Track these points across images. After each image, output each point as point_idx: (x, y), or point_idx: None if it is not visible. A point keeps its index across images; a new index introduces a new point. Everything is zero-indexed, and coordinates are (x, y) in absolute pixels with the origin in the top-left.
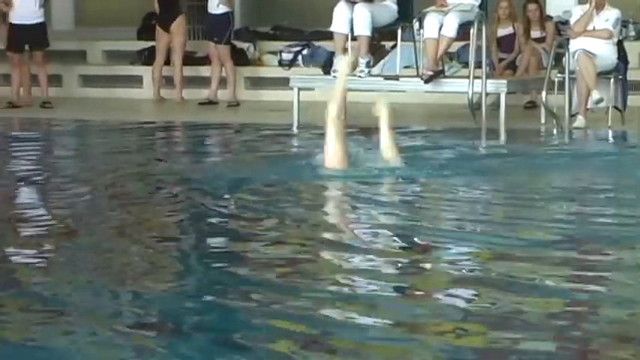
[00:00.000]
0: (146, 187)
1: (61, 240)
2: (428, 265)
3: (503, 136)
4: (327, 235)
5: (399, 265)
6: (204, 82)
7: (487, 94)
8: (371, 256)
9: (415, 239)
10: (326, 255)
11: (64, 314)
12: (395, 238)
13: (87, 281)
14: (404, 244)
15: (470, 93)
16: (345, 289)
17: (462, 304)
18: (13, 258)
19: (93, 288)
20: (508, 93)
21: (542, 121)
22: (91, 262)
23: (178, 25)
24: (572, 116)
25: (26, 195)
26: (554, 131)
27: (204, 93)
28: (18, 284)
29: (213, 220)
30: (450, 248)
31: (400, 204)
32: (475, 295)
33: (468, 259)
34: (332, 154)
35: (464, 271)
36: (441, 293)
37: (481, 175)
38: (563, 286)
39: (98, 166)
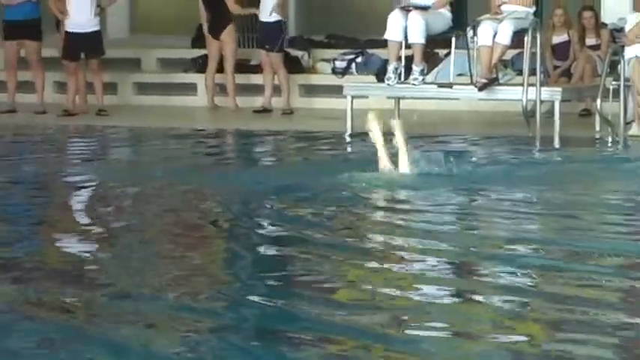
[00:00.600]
0: (198, 196)
1: (115, 247)
2: (479, 297)
3: (557, 144)
4: (370, 256)
5: (446, 295)
6: (258, 89)
7: (541, 102)
8: (418, 285)
9: (466, 262)
10: (370, 278)
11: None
12: (443, 260)
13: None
14: (453, 270)
15: (524, 101)
16: (387, 317)
17: (511, 344)
18: (70, 263)
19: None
20: (562, 101)
21: (597, 128)
22: (143, 268)
23: (228, 33)
24: (628, 124)
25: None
26: (609, 139)
27: (258, 101)
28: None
29: (258, 227)
30: (500, 272)
31: (451, 217)
32: (527, 334)
33: (520, 290)
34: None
35: (514, 305)
36: (492, 332)
37: (534, 185)
38: (617, 320)
39: (152, 174)
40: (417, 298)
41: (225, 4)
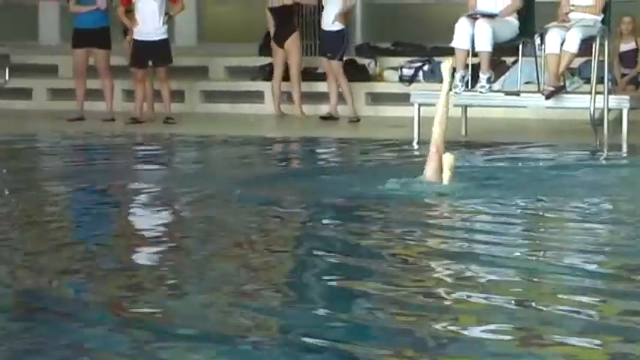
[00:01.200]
0: (259, 202)
1: (176, 253)
2: (549, 336)
3: (625, 152)
4: (431, 262)
5: (512, 330)
6: (324, 97)
7: (609, 110)
8: (479, 294)
9: (532, 292)
10: (435, 286)
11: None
12: (508, 288)
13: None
14: (518, 300)
15: (592, 109)
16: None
17: None
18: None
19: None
20: (630, 109)
21: None
22: (202, 272)
23: (292, 41)
24: None
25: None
26: None
27: (325, 108)
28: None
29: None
30: (570, 306)
31: (514, 232)
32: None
33: (592, 325)
34: (432, 169)
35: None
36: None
37: (601, 195)
38: None
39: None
40: (477, 333)
41: (291, 12)
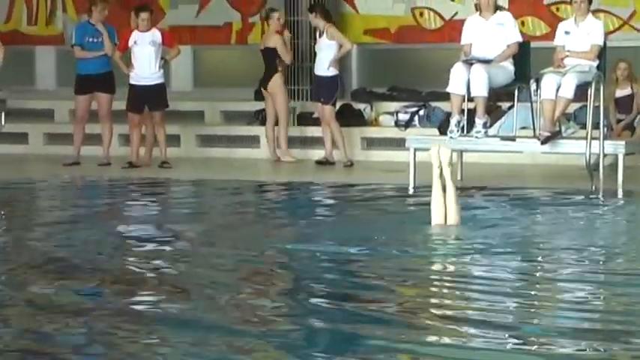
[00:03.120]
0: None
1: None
2: None
3: (620, 198)
4: (446, 313)
5: None
6: (320, 142)
7: (605, 156)
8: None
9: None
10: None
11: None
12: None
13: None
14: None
15: (587, 154)
16: None
17: None
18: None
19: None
20: (626, 154)
21: None
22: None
23: (274, 83)
24: None
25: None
26: None
27: (320, 153)
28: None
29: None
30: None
31: (509, 287)
32: None
33: None
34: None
35: None
36: None
37: (597, 245)
38: None
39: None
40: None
41: (273, 55)
